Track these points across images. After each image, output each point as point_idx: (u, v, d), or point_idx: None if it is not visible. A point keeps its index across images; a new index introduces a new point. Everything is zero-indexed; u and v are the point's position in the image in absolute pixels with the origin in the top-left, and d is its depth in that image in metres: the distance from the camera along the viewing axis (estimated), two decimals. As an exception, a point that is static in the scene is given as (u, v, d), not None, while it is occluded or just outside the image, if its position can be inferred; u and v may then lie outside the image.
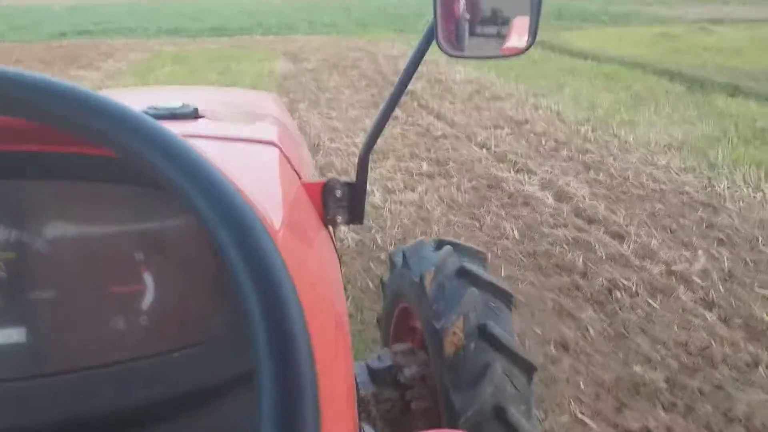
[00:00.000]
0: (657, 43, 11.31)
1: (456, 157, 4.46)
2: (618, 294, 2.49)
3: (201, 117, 0.94)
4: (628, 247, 2.91)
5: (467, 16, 0.92)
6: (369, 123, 5.58)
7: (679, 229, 3.15)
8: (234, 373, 0.59)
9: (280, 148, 0.90)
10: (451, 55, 0.93)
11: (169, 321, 0.61)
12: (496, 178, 4.00)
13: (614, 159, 4.33)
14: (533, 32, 0.90)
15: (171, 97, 1.00)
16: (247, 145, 0.90)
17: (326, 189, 0.92)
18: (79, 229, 0.60)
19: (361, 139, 5.04)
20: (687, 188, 3.73)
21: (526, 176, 4.02)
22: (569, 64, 8.96)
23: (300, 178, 0.92)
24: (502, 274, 2.66)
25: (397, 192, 3.79)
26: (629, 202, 3.53)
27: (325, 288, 0.64)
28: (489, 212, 3.43)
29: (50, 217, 0.59)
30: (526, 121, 5.48)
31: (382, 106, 0.99)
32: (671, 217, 3.32)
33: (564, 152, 4.52)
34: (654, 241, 2.96)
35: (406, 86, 0.96)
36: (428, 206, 3.56)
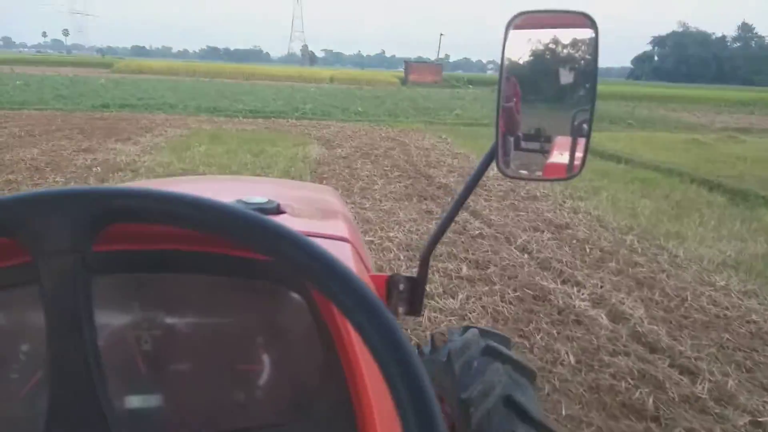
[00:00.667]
0: (688, 150, 11.28)
1: (497, 261, 4.23)
2: (701, 450, 2.15)
3: (283, 212, 0.99)
4: (703, 387, 2.58)
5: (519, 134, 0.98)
6: (402, 216, 5.44)
7: (755, 367, 2.82)
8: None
9: (351, 243, 0.97)
10: (506, 176, 0.98)
11: (281, 396, 0.70)
12: (543, 288, 3.74)
13: (667, 276, 4.06)
14: (583, 154, 0.96)
15: (250, 190, 1.10)
16: (326, 241, 0.93)
17: (390, 282, 1.03)
18: (213, 315, 0.71)
19: (394, 233, 4.87)
20: (753, 316, 3.42)
21: (574, 289, 3.76)
22: (602, 167, 8.87)
23: (368, 271, 1.02)
24: (563, 413, 2.34)
25: (436, 297, 3.54)
26: (692, 329, 3.22)
27: None
28: (539, 330, 3.15)
29: (192, 304, 0.70)
30: (567, 226, 5.27)
31: (447, 210, 1.07)
32: (743, 350, 2.99)
33: (612, 264, 4.26)
34: (731, 382, 2.63)
35: (469, 195, 1.03)
36: (470, 317, 3.30)
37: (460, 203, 1.04)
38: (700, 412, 2.42)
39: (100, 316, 0.54)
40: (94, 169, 6.90)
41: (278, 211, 0.98)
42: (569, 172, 0.99)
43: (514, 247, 4.61)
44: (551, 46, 0.96)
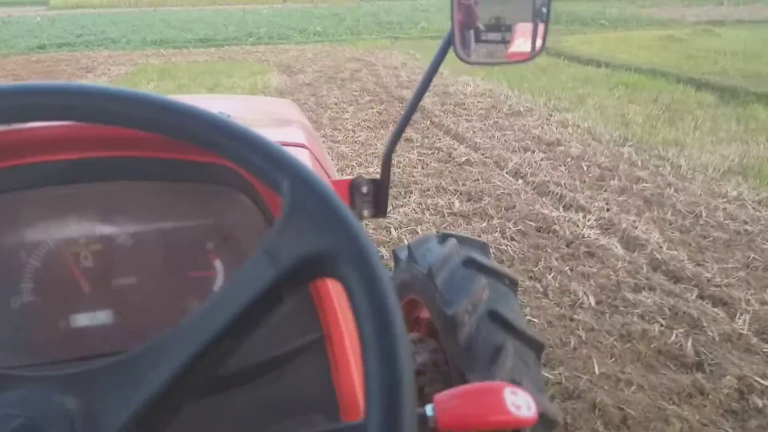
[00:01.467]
0: (666, 48, 10.81)
1: (490, 190, 3.84)
2: (758, 401, 1.88)
3: None
4: (743, 321, 2.30)
5: (478, 24, 0.97)
6: (380, 148, 4.97)
7: (793, 289, 2.55)
8: (301, 342, 0.66)
9: (309, 150, 0.97)
10: (466, 62, 0.99)
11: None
12: (545, 218, 3.38)
13: (675, 190, 3.73)
14: (543, 37, 0.97)
15: (201, 105, 1.02)
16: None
17: (353, 186, 1.03)
18: (157, 224, 0.68)
19: (373, 168, 4.42)
20: (776, 228, 3.14)
21: (579, 215, 3.41)
22: (582, 73, 8.40)
23: (329, 177, 1.03)
24: (596, 371, 2.03)
25: (430, 239, 3.15)
26: (714, 251, 2.93)
27: None
28: (550, 269, 2.81)
29: (132, 213, 0.68)
30: (558, 142, 4.87)
31: (405, 106, 1.07)
32: (774, 270, 2.72)
33: (614, 182, 3.91)
34: (772, 311, 2.36)
35: (427, 88, 1.03)
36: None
37: (418, 97, 1.03)
38: (746, 351, 2.14)
39: (33, 233, 0.60)
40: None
41: None
42: (532, 53, 0.99)
43: (506, 172, 4.22)
44: None
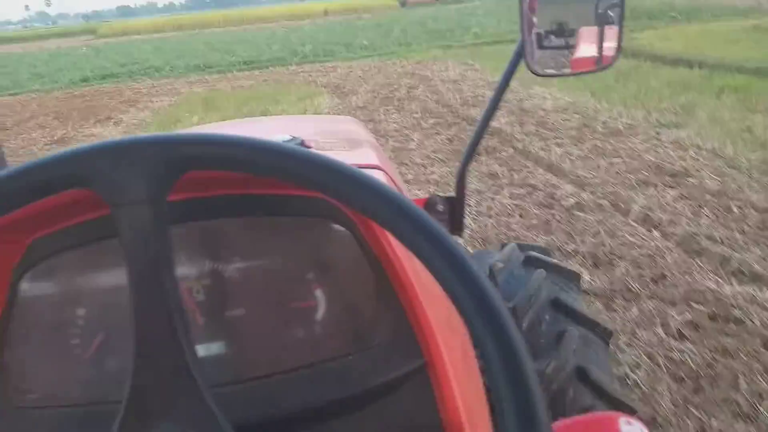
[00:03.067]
0: (759, 41, 9.52)
1: (622, 251, 2.93)
2: None
3: (309, 147, 0.89)
4: None
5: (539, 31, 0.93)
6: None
7: None
8: (403, 370, 0.65)
9: (385, 171, 0.94)
10: (541, 75, 0.97)
11: (341, 329, 0.69)
12: (716, 297, 2.45)
13: None
14: (617, 42, 0.91)
15: (270, 129, 1.21)
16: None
17: (428, 204, 1.09)
18: (261, 257, 0.70)
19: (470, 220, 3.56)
20: None
21: (758, 292, 2.46)
22: (674, 76, 7.31)
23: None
24: None
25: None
26: None
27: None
28: (759, 396, 1.89)
29: (237, 248, 0.69)
30: (686, 173, 3.90)
31: (480, 118, 1.10)
32: None
33: (790, 234, 2.93)
34: None
35: (499, 102, 1.05)
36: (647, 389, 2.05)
37: (492, 110, 1.04)
38: None
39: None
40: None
41: (303, 146, 0.85)
42: (599, 63, 0.94)
43: (633, 220, 3.28)
44: None
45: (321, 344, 0.68)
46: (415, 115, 6.53)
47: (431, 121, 6.19)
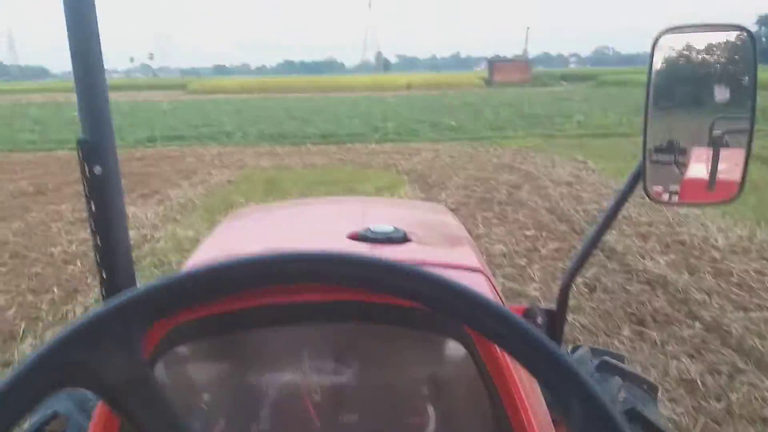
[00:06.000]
0: None
1: None
2: None
3: (409, 240, 0.94)
4: None
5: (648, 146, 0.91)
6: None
7: None
8: None
9: (484, 274, 0.92)
10: (660, 203, 0.94)
11: None
12: None
13: None
14: (742, 170, 0.86)
15: (366, 214, 1.22)
16: (459, 272, 0.88)
17: (527, 314, 1.02)
18: (380, 366, 0.72)
19: None
20: None
21: None
22: None
23: (502, 301, 0.95)
24: None
25: None
26: None
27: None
28: None
29: (357, 353, 0.71)
30: None
31: (589, 236, 1.04)
32: None
33: None
34: None
35: (612, 222, 1.00)
36: None
37: (605, 226, 1.01)
38: None
39: (273, 367, 0.68)
40: (66, 267, 4.36)
41: (405, 239, 0.93)
42: (711, 188, 0.89)
43: None
44: (702, 57, 0.88)
45: None
46: (527, 233, 4.93)
47: (552, 245, 4.56)
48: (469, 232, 1.39)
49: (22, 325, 3.30)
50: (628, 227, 4.89)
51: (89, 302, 3.61)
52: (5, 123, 15.88)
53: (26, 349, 2.99)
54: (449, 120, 13.71)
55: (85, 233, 5.17)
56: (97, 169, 0.81)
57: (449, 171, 7.95)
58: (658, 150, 0.89)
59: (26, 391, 0.37)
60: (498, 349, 0.63)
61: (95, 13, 0.77)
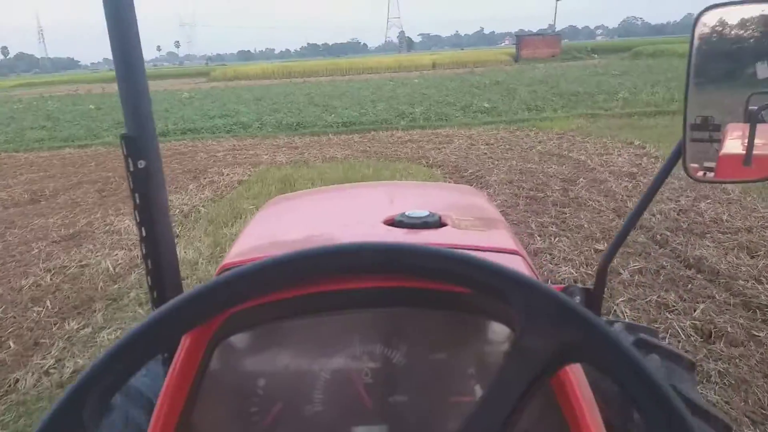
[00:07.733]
0: None
1: None
2: None
3: (445, 224, 0.95)
4: None
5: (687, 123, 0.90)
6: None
7: None
8: None
9: (522, 256, 0.92)
10: (699, 181, 0.94)
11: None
12: None
13: None
14: None
15: (401, 199, 1.24)
16: (499, 255, 0.89)
17: (565, 293, 0.98)
18: (428, 348, 0.73)
19: None
20: None
21: None
22: None
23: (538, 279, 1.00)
24: None
25: None
26: None
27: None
28: None
29: (407, 337, 0.73)
30: None
31: (628, 216, 1.06)
32: None
33: None
34: None
35: (651, 201, 1.00)
36: None
37: (643, 206, 1.01)
38: None
39: (326, 351, 0.71)
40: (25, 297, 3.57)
41: (440, 223, 0.95)
42: (747, 164, 0.86)
43: None
44: (745, 32, 0.86)
45: None
46: (598, 246, 3.98)
47: (633, 264, 3.61)
48: (525, 247, 1.18)
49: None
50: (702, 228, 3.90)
51: (48, 364, 2.81)
52: (18, 119, 15.38)
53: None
54: (481, 101, 12.64)
55: (67, 256, 4.42)
56: (141, 163, 0.89)
57: (488, 162, 6.98)
58: (699, 127, 0.86)
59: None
60: None
61: (134, 15, 0.87)
